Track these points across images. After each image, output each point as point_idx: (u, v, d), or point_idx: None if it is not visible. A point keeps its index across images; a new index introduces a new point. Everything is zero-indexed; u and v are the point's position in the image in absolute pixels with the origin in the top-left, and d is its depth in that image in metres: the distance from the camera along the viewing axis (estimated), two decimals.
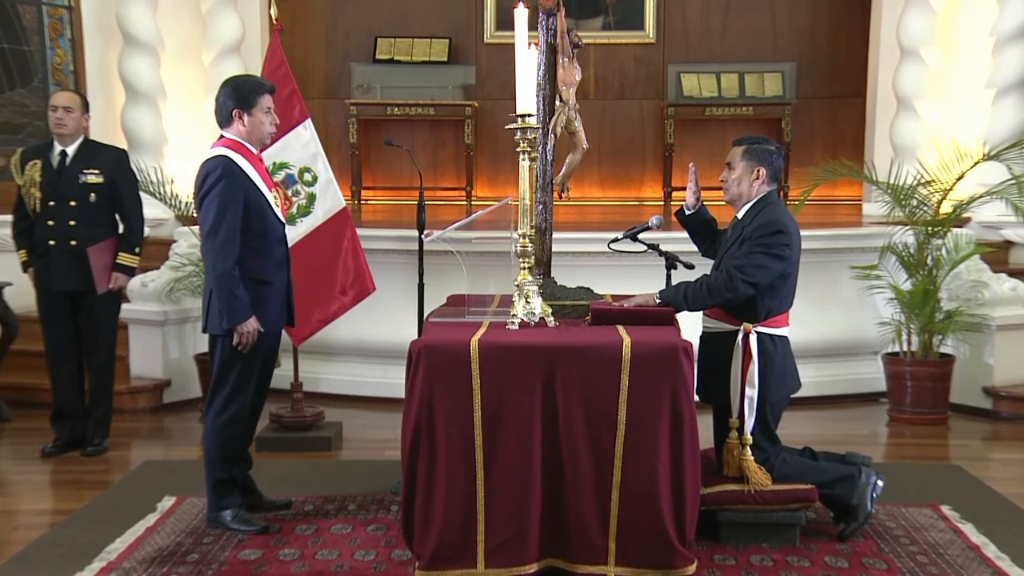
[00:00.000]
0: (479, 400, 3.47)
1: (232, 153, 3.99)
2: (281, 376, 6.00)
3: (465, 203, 9.11)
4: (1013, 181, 6.06)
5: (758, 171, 3.97)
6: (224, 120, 4.06)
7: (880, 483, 4.02)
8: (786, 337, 4.01)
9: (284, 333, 5.38)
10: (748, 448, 3.89)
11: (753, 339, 3.86)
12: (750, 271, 3.80)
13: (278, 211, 4.15)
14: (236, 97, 4.02)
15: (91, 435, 5.35)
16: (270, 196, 4.10)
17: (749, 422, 3.88)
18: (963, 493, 4.64)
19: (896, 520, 4.26)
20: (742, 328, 3.87)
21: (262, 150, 4.31)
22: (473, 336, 3.53)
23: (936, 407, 6.00)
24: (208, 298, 4.04)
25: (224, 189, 3.91)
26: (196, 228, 6.22)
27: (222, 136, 4.08)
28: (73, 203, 5.15)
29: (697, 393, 3.74)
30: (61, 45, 7.39)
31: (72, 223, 5.16)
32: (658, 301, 3.85)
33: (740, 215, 4.01)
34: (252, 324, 3.97)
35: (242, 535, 4.04)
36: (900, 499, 4.50)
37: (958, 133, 7.15)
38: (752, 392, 3.86)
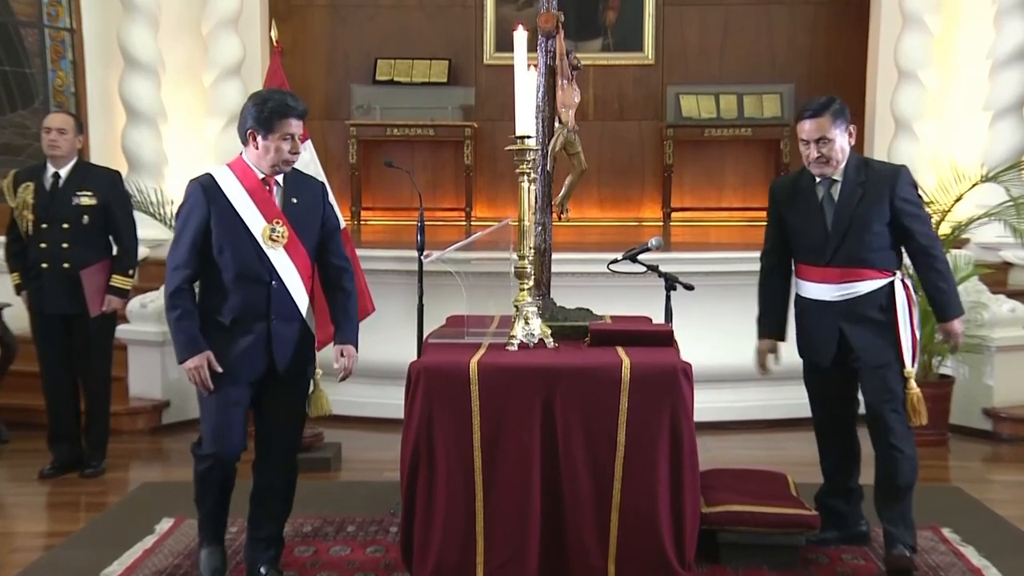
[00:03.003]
0: (478, 421, 3.47)
1: (225, 173, 3.58)
2: None
3: (465, 224, 9.11)
4: (1011, 203, 6.08)
5: (851, 129, 3.93)
6: (242, 138, 3.62)
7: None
8: None
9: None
10: (912, 381, 3.92)
11: (902, 284, 3.89)
12: (927, 216, 3.96)
13: (269, 249, 3.54)
14: (255, 116, 3.55)
15: (88, 457, 5.34)
16: (260, 230, 3.52)
17: (909, 354, 3.90)
18: (964, 515, 4.62)
19: None
20: (897, 275, 3.89)
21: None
22: (472, 357, 3.53)
23: (936, 428, 5.97)
24: None
25: (186, 211, 3.54)
26: None
27: (239, 155, 3.66)
28: (66, 225, 5.14)
29: (833, 364, 3.92)
30: (63, 67, 7.43)
31: (65, 245, 5.14)
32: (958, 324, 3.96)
33: (839, 176, 3.91)
34: (196, 362, 3.50)
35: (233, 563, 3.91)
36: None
37: (956, 155, 7.17)
38: (917, 334, 3.94)
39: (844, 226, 3.86)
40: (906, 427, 3.90)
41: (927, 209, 4.22)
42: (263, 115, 3.52)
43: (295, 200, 3.63)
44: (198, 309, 3.56)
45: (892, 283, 3.86)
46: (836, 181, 3.91)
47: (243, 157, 3.61)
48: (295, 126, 3.56)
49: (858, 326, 3.87)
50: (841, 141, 3.87)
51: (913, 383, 3.87)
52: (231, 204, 3.52)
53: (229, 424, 3.61)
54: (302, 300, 3.63)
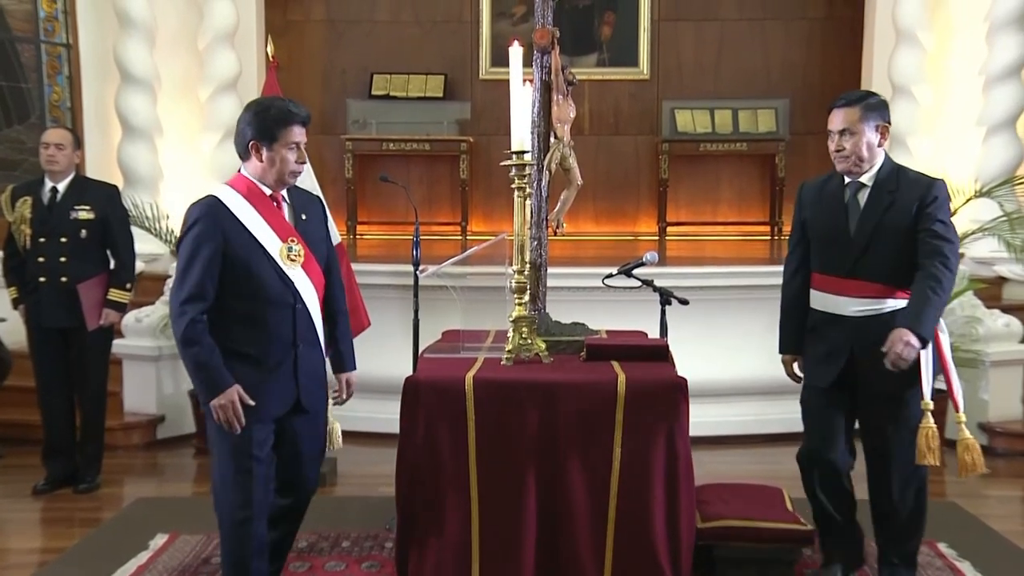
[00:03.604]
0: (474, 436, 3.46)
1: (230, 193, 3.28)
2: None
3: (460, 238, 9.12)
4: (1005, 218, 6.12)
5: (882, 128, 3.66)
6: (242, 152, 3.33)
7: None
8: None
9: None
10: (964, 426, 3.70)
11: None
12: (955, 249, 3.54)
13: (289, 269, 3.30)
14: (256, 126, 3.27)
15: (83, 472, 5.32)
16: (276, 250, 3.28)
17: (960, 398, 3.69)
18: (960, 530, 4.62)
19: None
20: None
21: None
22: (468, 372, 3.53)
23: None
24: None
25: (193, 238, 3.20)
26: None
27: (238, 171, 3.39)
28: (64, 239, 5.15)
29: (842, 388, 3.67)
30: (59, 82, 7.43)
31: (63, 259, 5.15)
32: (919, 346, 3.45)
33: (868, 180, 3.66)
34: (225, 398, 3.19)
35: None
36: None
37: (950, 170, 7.19)
38: (951, 370, 3.69)
39: (867, 234, 3.60)
40: (913, 466, 3.62)
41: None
42: (265, 124, 3.27)
43: (304, 216, 3.43)
44: (218, 343, 3.22)
45: None
46: (865, 186, 3.66)
47: (244, 173, 3.34)
48: (299, 134, 3.32)
49: (871, 348, 3.52)
50: (869, 138, 3.62)
51: (930, 418, 3.58)
52: (243, 225, 3.23)
53: (260, 474, 3.29)
54: (319, 323, 3.42)
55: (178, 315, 3.18)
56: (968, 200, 6.18)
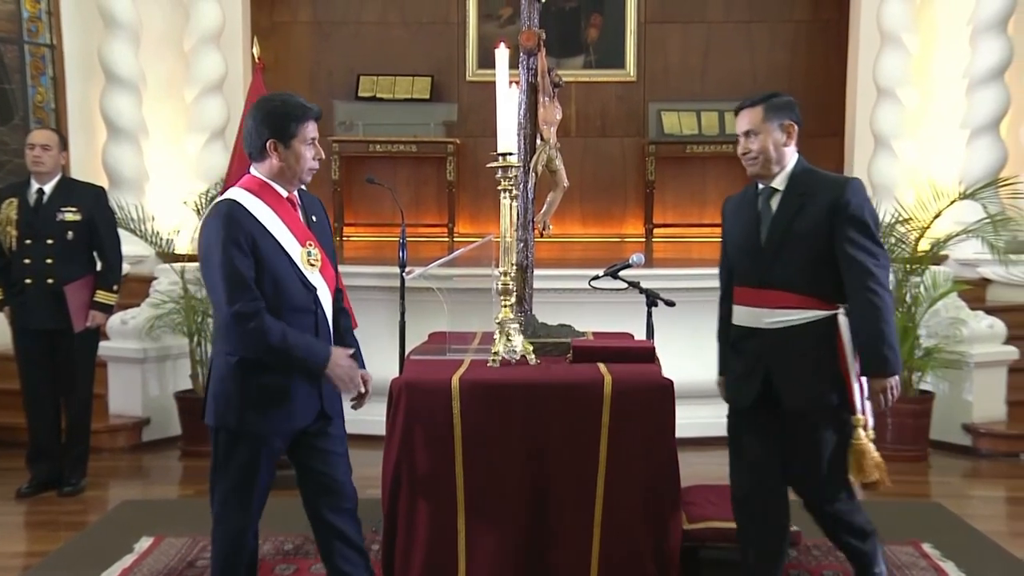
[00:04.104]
0: (460, 438, 3.46)
1: (245, 195, 3.11)
2: None
3: (447, 240, 9.12)
4: (988, 220, 6.15)
5: (789, 127, 3.41)
6: (256, 152, 3.17)
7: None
8: None
9: None
10: (861, 431, 3.34)
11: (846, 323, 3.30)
12: (881, 253, 3.29)
13: (310, 274, 3.16)
14: (271, 124, 3.12)
15: (68, 475, 5.30)
16: (298, 254, 3.14)
17: (870, 416, 3.36)
18: (944, 531, 4.65)
19: None
20: (842, 311, 3.31)
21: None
22: (454, 374, 3.53)
23: (916, 444, 6.02)
24: (207, 382, 3.22)
25: (222, 241, 3.00)
26: (176, 265, 6.28)
27: (247, 173, 3.23)
28: (50, 241, 5.13)
29: (769, 411, 3.40)
30: (43, 83, 7.40)
31: (49, 261, 5.13)
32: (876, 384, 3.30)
33: (780, 184, 3.41)
34: (337, 360, 3.13)
35: None
36: (881, 537, 4.48)
37: (935, 172, 7.24)
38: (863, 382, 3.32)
39: (778, 241, 3.36)
40: (846, 494, 3.41)
41: (892, 233, 3.52)
42: (282, 122, 3.13)
43: (314, 219, 3.29)
44: (229, 348, 3.09)
45: (835, 317, 3.30)
46: (778, 191, 3.41)
47: (257, 174, 3.19)
48: (315, 129, 3.19)
49: (787, 362, 3.35)
50: (775, 138, 3.38)
51: (861, 433, 3.32)
52: (266, 228, 3.09)
53: (265, 486, 3.20)
54: (332, 328, 3.30)
55: (234, 324, 2.99)
56: (952, 202, 6.21)
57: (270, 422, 3.11)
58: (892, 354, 3.25)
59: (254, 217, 3.08)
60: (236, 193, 3.14)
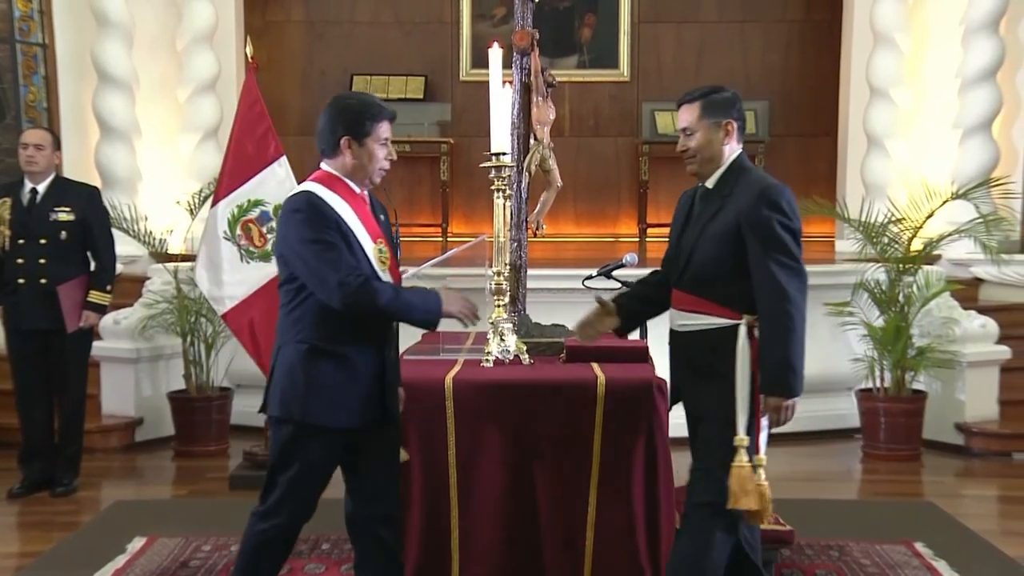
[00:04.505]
0: (453, 437, 3.46)
1: (320, 188, 3.10)
2: (255, 414, 5.94)
3: (441, 240, 9.11)
4: (981, 220, 6.17)
5: (727, 125, 3.21)
6: (329, 148, 3.15)
7: None
8: None
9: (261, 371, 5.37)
10: (761, 471, 3.06)
11: (749, 334, 3.10)
12: (793, 266, 3.05)
13: (382, 270, 3.11)
14: (346, 121, 3.11)
15: (60, 475, 5.28)
16: (371, 249, 3.09)
17: (762, 439, 3.13)
18: (936, 530, 4.66)
19: (870, 557, 4.26)
20: (744, 322, 3.10)
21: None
22: (448, 374, 3.53)
23: (909, 443, 6.03)
24: (273, 373, 3.13)
25: (314, 223, 3.00)
26: (170, 265, 6.26)
27: (317, 169, 3.21)
28: (44, 241, 5.11)
29: (674, 402, 3.34)
30: (35, 82, 7.38)
31: (42, 261, 5.12)
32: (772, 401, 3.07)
33: (711, 184, 3.25)
34: (453, 301, 3.10)
35: None
36: (874, 536, 4.51)
37: (927, 172, 7.26)
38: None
39: (692, 243, 3.23)
40: (706, 512, 3.10)
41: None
42: (357, 119, 3.11)
43: (382, 218, 3.25)
44: (309, 341, 3.04)
45: (737, 327, 3.09)
46: (707, 188, 3.29)
47: (329, 169, 3.16)
48: (389, 129, 3.16)
49: (687, 367, 3.24)
50: (711, 136, 3.20)
51: (743, 456, 3.03)
52: (345, 221, 3.06)
53: (324, 483, 3.15)
54: None
55: (342, 296, 2.93)
56: (945, 202, 6.23)
57: (335, 416, 3.05)
58: (793, 377, 3.03)
59: (333, 210, 3.05)
60: (311, 186, 3.11)
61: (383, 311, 3.02)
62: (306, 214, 3.01)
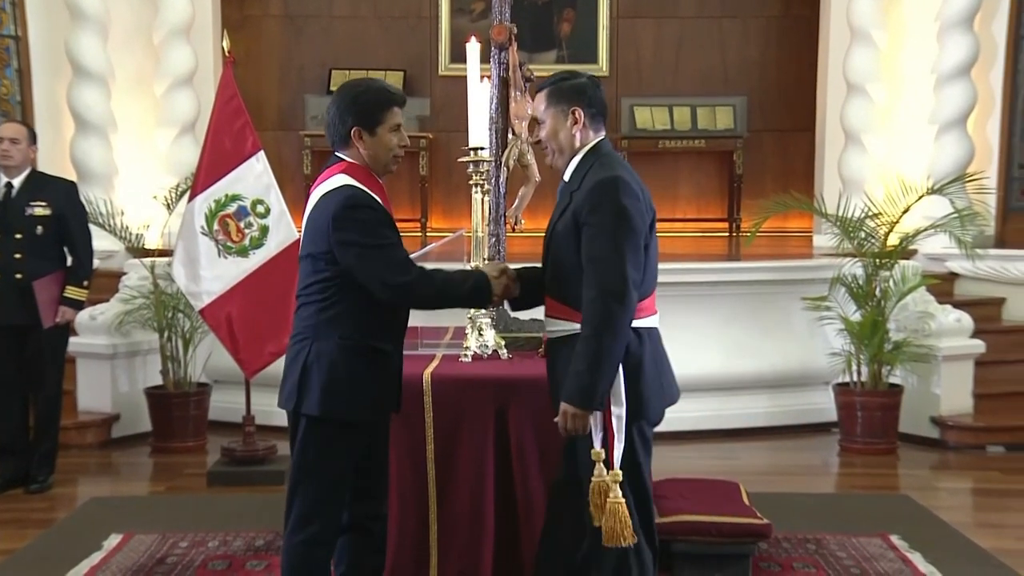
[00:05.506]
0: (432, 433, 3.46)
1: (356, 182, 3.01)
2: (233, 409, 5.96)
3: (420, 235, 9.11)
4: (956, 215, 6.22)
5: (573, 112, 3.00)
6: (340, 140, 3.04)
7: None
8: (656, 329, 3.06)
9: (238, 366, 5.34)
10: (618, 487, 2.86)
11: None
12: (619, 268, 2.83)
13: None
14: (356, 111, 3.01)
15: (35, 472, 5.24)
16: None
17: (618, 451, 2.89)
18: (912, 523, 4.69)
19: (846, 550, 4.29)
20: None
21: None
22: (426, 369, 3.53)
23: (886, 437, 6.07)
24: (299, 370, 3.00)
25: (375, 218, 2.98)
26: (146, 260, 6.22)
27: (338, 159, 3.08)
28: (19, 236, 5.07)
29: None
30: (8, 75, 7.30)
31: (18, 256, 5.07)
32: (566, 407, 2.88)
33: (566, 177, 3.07)
34: (493, 272, 3.14)
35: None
36: (850, 529, 4.54)
37: (903, 167, 7.31)
38: (619, 411, 2.88)
39: (547, 242, 3.11)
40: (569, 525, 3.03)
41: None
42: (367, 108, 3.02)
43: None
44: (352, 337, 2.96)
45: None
46: (564, 182, 3.10)
47: (352, 161, 3.06)
48: (400, 115, 3.09)
49: (550, 376, 3.09)
50: (557, 125, 3.02)
51: (601, 469, 2.86)
52: (387, 212, 3.07)
53: (345, 486, 3.06)
54: None
55: (411, 291, 2.95)
56: (920, 197, 6.27)
57: (375, 411, 3.04)
58: (588, 390, 2.81)
59: (377, 201, 3.02)
60: (347, 179, 3.01)
61: (437, 297, 3.05)
62: (367, 212, 2.96)
